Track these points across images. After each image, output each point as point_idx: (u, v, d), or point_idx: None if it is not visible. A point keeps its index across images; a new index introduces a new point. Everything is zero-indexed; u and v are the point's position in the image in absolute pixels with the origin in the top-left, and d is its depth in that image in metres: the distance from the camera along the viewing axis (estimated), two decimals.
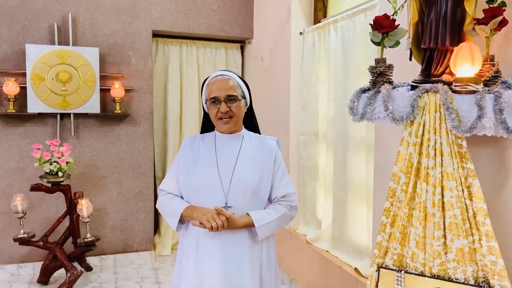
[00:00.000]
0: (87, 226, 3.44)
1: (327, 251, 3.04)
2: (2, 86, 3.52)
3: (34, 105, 3.59)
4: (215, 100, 1.68)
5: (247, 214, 1.68)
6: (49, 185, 3.42)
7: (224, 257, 1.64)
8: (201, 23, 4.16)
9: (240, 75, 1.85)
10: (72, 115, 3.75)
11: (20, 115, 3.64)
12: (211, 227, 1.56)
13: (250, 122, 1.87)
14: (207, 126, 1.85)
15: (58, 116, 3.73)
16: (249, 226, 1.67)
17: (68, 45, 3.70)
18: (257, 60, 4.22)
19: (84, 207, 3.41)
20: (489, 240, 1.47)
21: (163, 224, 4.37)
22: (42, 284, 3.55)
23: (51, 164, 3.33)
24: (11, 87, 3.49)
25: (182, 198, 1.77)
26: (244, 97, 1.74)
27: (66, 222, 3.64)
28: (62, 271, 3.64)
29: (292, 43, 3.52)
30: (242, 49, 4.59)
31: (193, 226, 1.67)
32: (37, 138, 3.69)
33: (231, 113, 1.68)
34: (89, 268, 3.85)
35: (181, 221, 1.73)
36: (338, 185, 2.99)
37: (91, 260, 3.91)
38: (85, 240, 3.41)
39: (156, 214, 4.37)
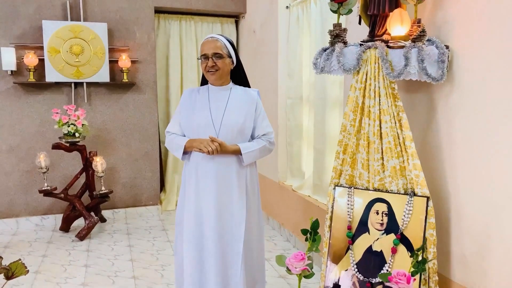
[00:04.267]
0: (102, 180, 3.95)
1: (309, 195, 3.54)
2: (23, 58, 3.98)
3: (51, 75, 4.05)
4: (205, 57, 2.14)
5: (236, 144, 2.16)
6: (67, 145, 3.92)
7: (217, 177, 2.13)
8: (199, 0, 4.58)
9: (230, 39, 2.28)
10: (85, 84, 4.22)
11: (39, 84, 4.11)
12: (207, 151, 2.04)
13: (239, 77, 2.32)
14: (205, 80, 2.32)
15: (73, 85, 4.20)
16: (237, 152, 2.15)
17: (80, 21, 4.14)
18: (250, 33, 4.65)
19: (99, 163, 3.92)
20: (414, 159, 1.95)
21: (168, 182, 4.88)
22: (64, 231, 4.08)
23: (68, 126, 3.81)
24: (31, 59, 3.95)
25: (184, 136, 2.25)
26: (230, 56, 2.19)
27: (82, 179, 4.15)
28: (80, 221, 4.17)
29: (280, 16, 3.95)
30: (237, 23, 5.02)
31: (194, 156, 2.17)
32: (54, 105, 4.16)
33: (216, 67, 2.14)
34: (103, 220, 4.38)
35: (185, 153, 2.21)
36: (317, 140, 3.46)
37: (105, 213, 4.44)
38: (101, 192, 3.93)
39: (162, 173, 4.88)
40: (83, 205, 3.97)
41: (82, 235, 3.84)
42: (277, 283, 3.00)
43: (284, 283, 3.00)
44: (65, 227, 4.08)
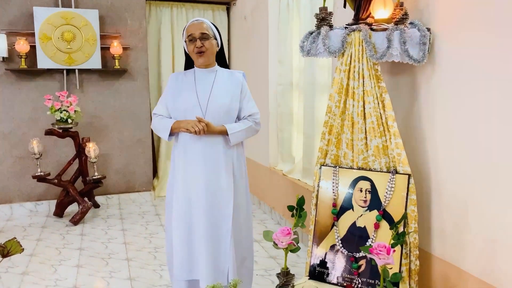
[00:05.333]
0: (95, 166, 4.00)
1: (299, 179, 3.62)
2: (14, 45, 3.99)
3: (43, 62, 4.07)
4: (192, 38, 2.18)
5: (222, 125, 2.22)
6: (60, 131, 3.95)
7: (204, 157, 2.19)
8: None
9: (213, 23, 2.34)
10: (76, 71, 4.25)
11: (31, 71, 4.12)
12: (195, 131, 2.10)
13: (222, 60, 2.38)
14: (188, 64, 2.37)
15: (65, 72, 4.23)
16: (223, 133, 2.20)
17: (71, 7, 4.15)
18: (241, 20, 4.68)
19: (92, 149, 3.96)
20: (396, 138, 2.02)
21: (161, 169, 4.94)
22: (58, 216, 4.14)
23: (61, 112, 3.84)
24: (22, 46, 3.96)
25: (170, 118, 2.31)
26: (215, 38, 2.25)
27: (75, 165, 4.19)
28: (74, 207, 4.22)
29: (270, 3, 3.98)
30: (228, 10, 5.04)
31: (181, 137, 2.22)
32: (46, 91, 4.18)
33: (204, 48, 2.19)
34: (97, 205, 4.43)
35: (171, 134, 2.26)
36: (307, 125, 3.53)
37: (98, 199, 4.50)
38: (94, 177, 3.97)
39: (154, 160, 4.93)
40: (76, 191, 4.02)
41: (76, 220, 3.90)
42: (267, 263, 3.09)
43: (274, 263, 3.09)
44: (59, 212, 4.13)
